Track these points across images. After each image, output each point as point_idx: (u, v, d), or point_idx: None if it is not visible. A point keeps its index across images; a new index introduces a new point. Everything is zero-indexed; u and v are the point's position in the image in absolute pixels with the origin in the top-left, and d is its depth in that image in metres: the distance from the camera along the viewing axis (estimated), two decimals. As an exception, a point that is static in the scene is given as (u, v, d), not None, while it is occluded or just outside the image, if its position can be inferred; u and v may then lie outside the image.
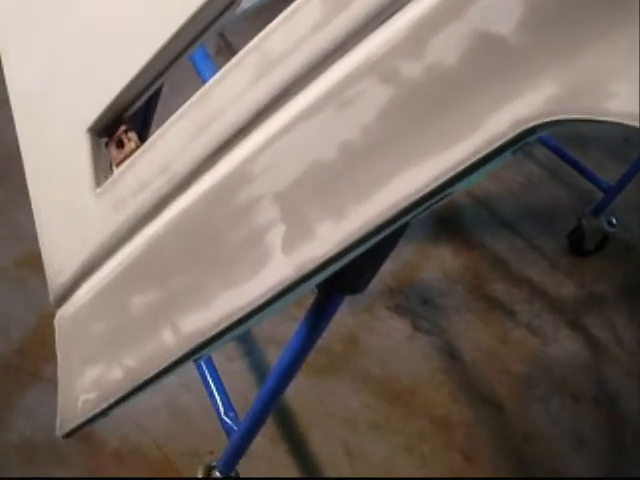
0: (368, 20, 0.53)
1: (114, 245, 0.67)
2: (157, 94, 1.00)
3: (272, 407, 0.92)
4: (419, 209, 0.52)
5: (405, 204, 0.51)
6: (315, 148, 0.55)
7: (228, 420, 1.07)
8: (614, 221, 1.82)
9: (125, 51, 0.72)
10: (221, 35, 2.16)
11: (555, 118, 0.46)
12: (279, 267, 0.56)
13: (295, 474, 1.31)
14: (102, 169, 0.71)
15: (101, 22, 0.77)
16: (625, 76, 0.44)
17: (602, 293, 1.82)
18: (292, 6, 0.58)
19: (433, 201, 0.52)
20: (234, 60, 0.61)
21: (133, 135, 0.70)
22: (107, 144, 0.72)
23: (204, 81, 0.66)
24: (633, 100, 0.43)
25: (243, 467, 1.06)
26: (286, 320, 1.24)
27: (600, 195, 1.81)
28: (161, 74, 0.70)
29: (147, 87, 0.71)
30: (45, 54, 0.83)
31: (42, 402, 1.28)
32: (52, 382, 0.70)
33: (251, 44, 0.60)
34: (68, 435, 0.68)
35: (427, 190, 0.50)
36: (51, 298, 0.72)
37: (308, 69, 0.56)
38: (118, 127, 0.71)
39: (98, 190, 0.69)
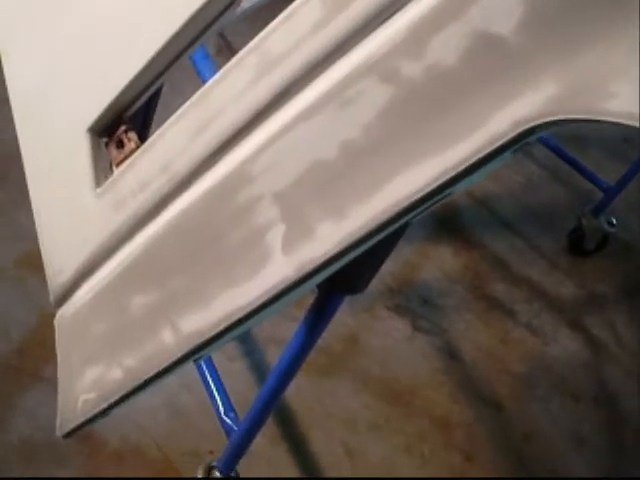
0: (368, 20, 0.53)
1: (114, 245, 0.67)
2: (157, 94, 1.00)
3: (272, 407, 0.92)
4: (419, 209, 0.52)
5: (405, 204, 0.51)
6: (315, 148, 0.55)
7: (228, 420, 1.07)
8: (614, 221, 1.83)
9: (125, 51, 0.72)
10: (221, 35, 2.16)
11: (555, 118, 0.46)
12: (279, 267, 0.56)
13: (295, 474, 1.31)
14: (102, 169, 0.71)
15: (101, 22, 0.77)
16: (625, 76, 0.44)
17: (602, 293, 1.82)
18: (292, 6, 0.58)
19: (433, 201, 0.52)
20: (234, 60, 0.61)
21: (133, 135, 0.70)
22: (107, 144, 0.72)
23: (204, 81, 0.66)
24: (633, 100, 0.43)
25: (243, 467, 1.06)
26: (286, 320, 1.24)
27: (600, 195, 1.81)
28: (161, 74, 0.70)
29: (147, 87, 0.71)
30: (45, 54, 0.83)
31: (42, 402, 1.28)
32: (52, 382, 0.70)
33: (251, 44, 0.60)
34: (68, 435, 0.68)
35: (427, 190, 0.50)
36: (51, 298, 0.72)
37: (308, 69, 0.56)
38: (118, 127, 0.71)
39: (98, 190, 0.69)
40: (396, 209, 0.51)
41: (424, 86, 0.51)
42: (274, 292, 0.56)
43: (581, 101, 0.45)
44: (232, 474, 1.05)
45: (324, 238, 0.54)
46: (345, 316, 1.57)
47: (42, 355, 1.34)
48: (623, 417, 1.54)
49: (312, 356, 0.83)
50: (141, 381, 0.63)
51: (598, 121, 0.44)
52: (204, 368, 1.14)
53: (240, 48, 0.61)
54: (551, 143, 1.88)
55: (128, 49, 0.72)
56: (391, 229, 0.53)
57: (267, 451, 1.30)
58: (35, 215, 0.76)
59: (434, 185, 0.50)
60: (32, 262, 1.45)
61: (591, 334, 1.70)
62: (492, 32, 0.48)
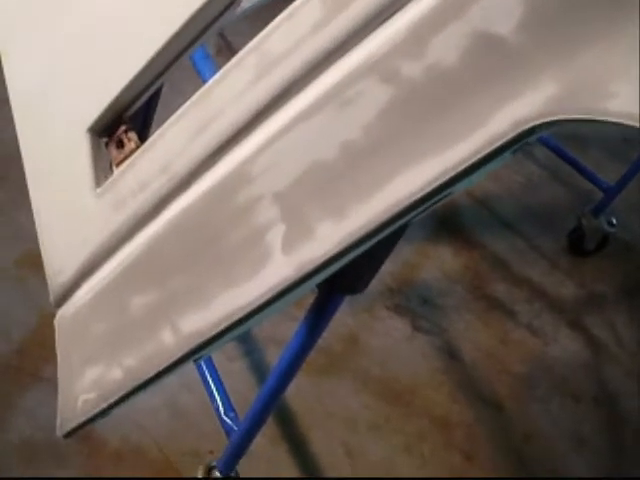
0: (368, 20, 0.53)
1: (114, 245, 0.67)
2: (157, 94, 1.00)
3: (272, 407, 0.92)
4: (419, 209, 0.52)
5: (405, 204, 0.51)
6: (315, 148, 0.55)
7: (228, 420, 1.07)
8: (614, 221, 1.82)
9: (125, 51, 0.72)
10: (221, 35, 2.15)
11: (555, 118, 0.46)
12: (279, 267, 0.56)
13: (295, 474, 1.31)
14: (102, 169, 0.71)
15: (101, 22, 0.77)
16: (625, 76, 0.44)
17: (602, 293, 1.82)
18: (292, 6, 0.58)
19: (433, 201, 0.52)
20: (234, 60, 0.61)
21: (133, 135, 0.70)
22: (107, 144, 0.72)
23: (204, 81, 0.66)
24: (633, 100, 0.43)
25: (243, 467, 1.06)
26: (286, 320, 1.24)
27: (600, 195, 1.81)
28: (161, 74, 0.70)
29: (147, 87, 0.71)
30: (45, 54, 0.83)
31: (42, 402, 1.28)
32: (52, 382, 0.70)
33: (251, 44, 0.60)
34: (68, 435, 0.68)
35: (427, 190, 0.50)
36: (51, 298, 0.72)
37: (308, 69, 0.56)
38: (118, 127, 0.71)
39: (98, 190, 0.69)
40: (396, 209, 0.51)
41: (424, 86, 0.51)
42: (274, 292, 0.56)
43: (581, 101, 0.45)
44: (232, 474, 1.05)
45: (324, 238, 0.54)
46: (345, 316, 1.57)
47: (42, 355, 1.34)
48: (623, 417, 1.54)
49: (312, 356, 0.83)
50: (141, 381, 0.63)
51: (598, 121, 0.44)
52: (204, 368, 1.14)
53: (240, 48, 0.61)
54: (551, 143, 1.88)
55: (128, 49, 0.72)
56: (391, 229, 0.53)
57: (267, 451, 1.31)
58: (35, 215, 0.76)
59: (434, 185, 0.50)
60: (32, 262, 1.45)
61: (591, 334, 1.70)
62: (492, 32, 0.48)
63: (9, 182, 1.62)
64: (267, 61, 0.58)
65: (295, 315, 0.96)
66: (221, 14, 0.68)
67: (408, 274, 1.73)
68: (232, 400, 1.11)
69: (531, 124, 0.47)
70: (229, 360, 1.43)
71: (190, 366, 0.68)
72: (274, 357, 1.43)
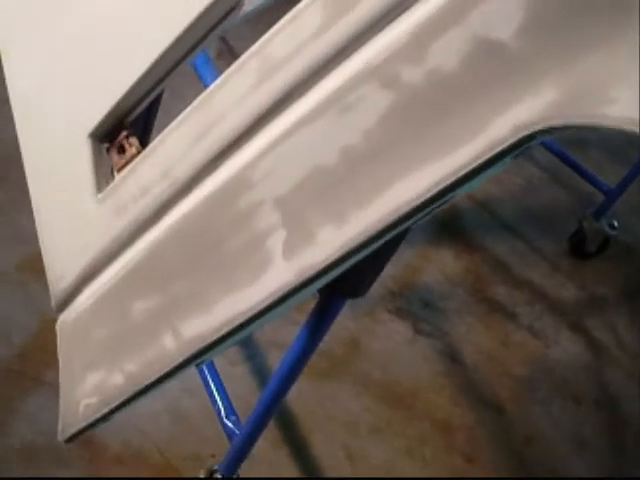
0: (369, 25, 0.53)
1: (115, 250, 0.67)
2: (158, 99, 1.00)
3: (274, 411, 0.92)
4: (420, 214, 0.52)
5: (406, 209, 0.51)
6: (316, 153, 0.55)
7: (230, 424, 1.07)
8: (615, 223, 1.82)
9: (126, 55, 0.72)
10: (222, 39, 2.15)
11: (555, 124, 0.46)
12: (280, 272, 0.56)
13: (296, 477, 1.31)
14: (103, 174, 0.71)
15: (103, 24, 0.77)
16: (625, 81, 0.44)
17: (603, 295, 1.82)
18: (293, 11, 0.58)
19: (434, 206, 0.52)
20: (235, 65, 0.61)
21: (134, 140, 0.70)
22: (108, 149, 0.72)
23: (205, 86, 0.66)
24: (633, 105, 0.43)
25: (245, 471, 1.06)
26: (288, 324, 1.24)
27: (601, 197, 1.81)
28: (163, 79, 0.70)
29: (148, 92, 0.71)
30: (46, 54, 0.83)
31: (43, 407, 1.28)
32: (53, 387, 0.70)
33: (252, 49, 0.60)
34: (70, 440, 0.68)
35: (428, 195, 0.50)
36: (53, 303, 0.72)
37: (309, 74, 0.56)
38: (119, 132, 0.71)
39: (99, 195, 0.69)
40: (397, 214, 0.51)
41: (424, 91, 0.51)
42: (275, 297, 0.56)
43: (581, 106, 0.45)
44: (234, 477, 1.05)
45: (325, 243, 0.54)
46: (346, 319, 1.57)
47: (44, 359, 1.34)
48: (624, 420, 1.54)
49: (313, 359, 0.83)
50: (142, 386, 0.63)
51: (598, 127, 0.44)
52: (206, 372, 1.14)
53: (242, 52, 0.61)
54: (552, 145, 1.87)
55: (129, 54, 0.72)
56: (392, 234, 0.53)
57: (268, 454, 1.30)
58: (36, 221, 0.76)
59: (434, 191, 0.50)
60: (33, 266, 1.45)
61: (592, 337, 1.70)
62: (492, 37, 0.48)
63: (9, 182, 1.61)
64: (268, 66, 0.58)
65: (297, 319, 0.96)
66: (223, 18, 0.68)
67: (409, 277, 1.73)
68: (234, 404, 1.11)
69: (531, 129, 0.47)
70: (231, 364, 1.43)
71: (192, 370, 0.68)
72: (276, 361, 1.43)
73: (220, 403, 1.10)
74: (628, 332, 1.72)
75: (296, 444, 1.35)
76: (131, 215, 0.66)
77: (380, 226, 0.52)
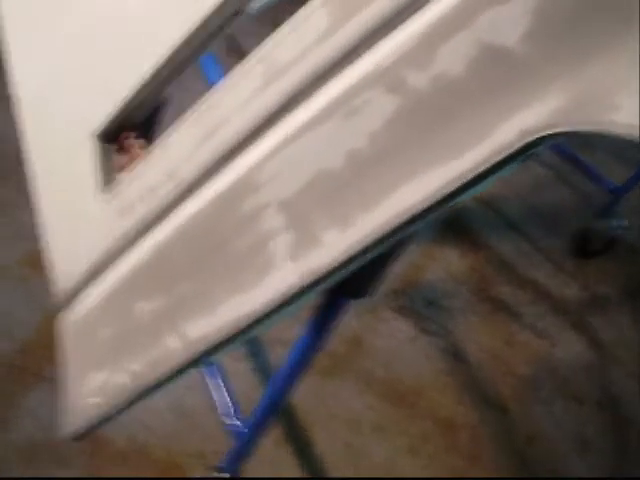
0: (375, 30, 0.53)
1: (120, 251, 0.67)
2: (164, 99, 1.00)
3: (277, 408, 0.93)
4: (425, 218, 0.52)
5: (411, 213, 0.51)
6: (321, 156, 0.55)
7: (233, 421, 1.07)
8: (620, 223, 1.82)
9: (134, 56, 0.72)
10: (230, 35, 2.15)
11: (561, 130, 0.46)
12: (285, 275, 0.56)
13: (299, 475, 1.31)
14: (108, 175, 0.71)
15: (110, 24, 0.77)
16: (626, 89, 0.44)
17: (606, 295, 1.82)
18: (299, 14, 0.58)
19: (439, 210, 0.52)
20: (241, 67, 0.61)
21: (140, 140, 0.71)
22: (113, 150, 0.72)
23: (211, 84, 0.66)
24: (634, 113, 0.43)
25: (246, 468, 1.06)
26: (293, 322, 1.24)
27: (605, 198, 1.81)
28: (169, 80, 0.70)
29: (154, 94, 0.71)
30: (52, 54, 0.82)
31: (45, 402, 1.29)
32: (55, 382, 0.70)
33: (258, 51, 0.60)
34: (77, 439, 0.68)
35: (433, 199, 0.50)
36: (56, 303, 0.73)
37: (315, 78, 0.56)
38: (125, 132, 0.71)
39: (104, 196, 0.69)
40: (402, 218, 0.51)
41: (430, 96, 0.51)
42: (280, 300, 0.56)
43: (587, 113, 0.45)
44: (237, 475, 1.05)
45: (330, 246, 0.54)
46: (349, 318, 1.57)
47: (45, 355, 1.34)
48: (627, 419, 1.54)
49: (316, 357, 0.83)
50: (146, 387, 0.63)
51: (605, 134, 0.44)
52: (210, 369, 1.15)
53: (249, 48, 0.61)
54: (557, 145, 1.87)
55: (137, 54, 0.72)
56: (397, 237, 0.53)
57: (271, 452, 1.31)
58: (41, 220, 0.76)
59: (440, 195, 0.50)
60: (35, 262, 1.45)
61: (595, 336, 1.70)
62: (499, 43, 0.48)
63: (11, 181, 1.62)
64: (274, 69, 0.58)
65: (302, 317, 0.96)
66: (232, 17, 0.68)
67: (413, 275, 1.73)
68: (238, 401, 1.11)
69: (537, 135, 0.47)
70: (235, 361, 1.43)
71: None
72: (280, 359, 1.43)
73: (224, 400, 1.10)
74: (631, 331, 1.72)
75: (298, 442, 1.35)
76: (136, 215, 0.66)
77: (385, 230, 0.52)
